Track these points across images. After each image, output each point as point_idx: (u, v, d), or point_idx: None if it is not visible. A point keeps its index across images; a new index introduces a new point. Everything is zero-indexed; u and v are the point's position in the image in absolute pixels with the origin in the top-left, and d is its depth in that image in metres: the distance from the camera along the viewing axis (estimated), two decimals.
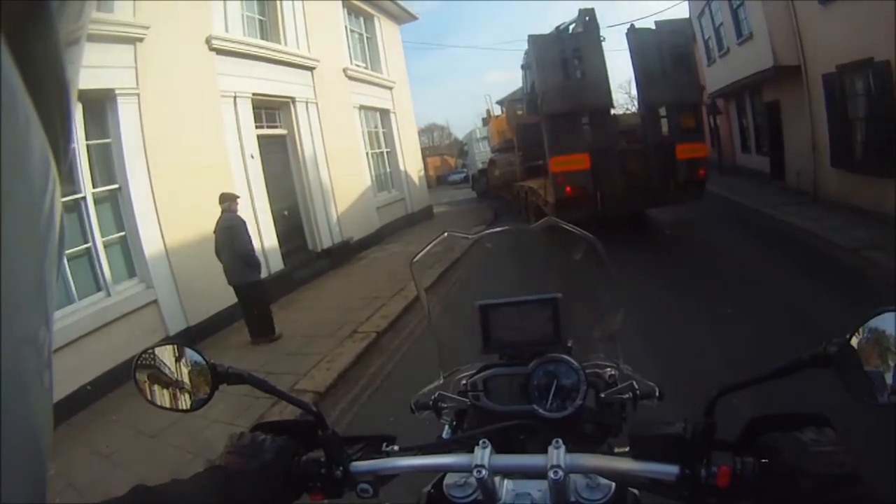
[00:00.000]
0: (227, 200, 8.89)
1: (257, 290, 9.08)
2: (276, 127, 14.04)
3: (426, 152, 44.78)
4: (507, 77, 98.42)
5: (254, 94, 12.39)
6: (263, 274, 9.73)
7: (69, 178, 7.95)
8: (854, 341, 0.94)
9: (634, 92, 17.70)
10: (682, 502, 1.12)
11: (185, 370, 1.25)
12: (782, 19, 15.09)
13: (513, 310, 1.59)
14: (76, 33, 0.48)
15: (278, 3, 14.04)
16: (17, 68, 0.38)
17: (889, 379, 0.91)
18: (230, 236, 8.60)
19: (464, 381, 1.66)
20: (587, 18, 13.80)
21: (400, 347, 8.40)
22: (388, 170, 20.82)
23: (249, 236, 8.82)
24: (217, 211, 8.92)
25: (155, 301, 8.96)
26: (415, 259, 1.80)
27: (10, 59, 0.37)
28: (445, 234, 1.84)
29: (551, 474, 1.12)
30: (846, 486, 0.93)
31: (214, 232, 8.79)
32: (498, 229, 2.22)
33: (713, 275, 10.02)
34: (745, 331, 6.79)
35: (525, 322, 1.59)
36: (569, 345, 1.59)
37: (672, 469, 1.09)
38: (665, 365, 5.77)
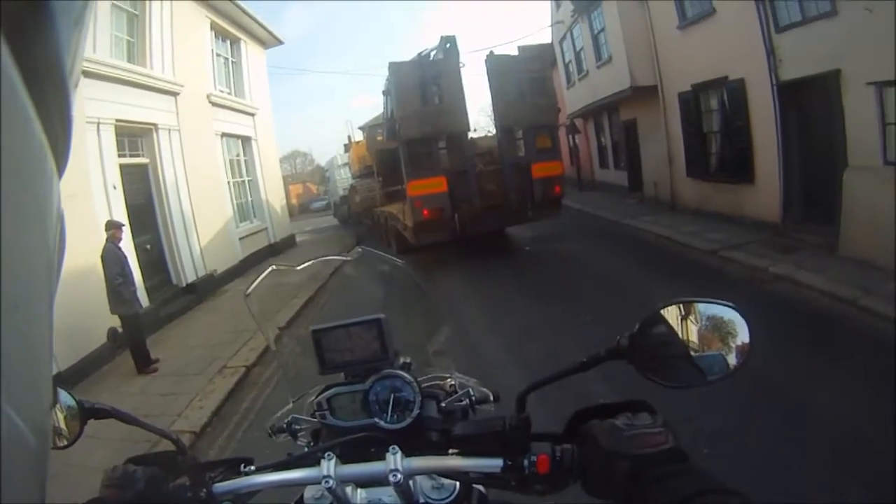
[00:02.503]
0: (111, 228, 9.05)
1: (128, 324, 9.25)
2: (138, 155, 13.62)
3: (288, 180, 45.01)
4: (372, 103, 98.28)
5: (117, 121, 12.02)
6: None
7: None
8: (651, 331, 1.08)
9: None
10: (513, 491, 1.23)
11: (59, 414, 1.33)
12: (641, 43, 16.52)
13: (342, 332, 1.67)
14: (78, 35, 0.50)
15: (147, 22, 13.78)
16: (17, 68, 0.40)
17: (733, 360, 1.06)
18: (104, 266, 8.80)
19: (312, 403, 1.76)
20: (448, 45, 14.35)
21: (270, 379, 8.46)
22: (249, 199, 20.61)
23: (122, 268, 8.92)
24: (79, 242, 9.11)
25: None
26: (248, 292, 1.88)
27: (10, 59, 0.39)
28: (273, 267, 2.01)
29: (391, 477, 1.24)
30: (663, 462, 1.02)
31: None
32: (318, 258, 2.41)
33: (574, 286, 10.59)
34: (604, 335, 7.23)
35: (355, 342, 1.66)
36: (406, 361, 1.72)
37: (496, 462, 1.21)
38: (526, 371, 6.42)
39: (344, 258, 2.12)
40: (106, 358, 10.11)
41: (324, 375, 1.72)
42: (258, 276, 1.92)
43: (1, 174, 0.38)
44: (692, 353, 1.08)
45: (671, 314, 1.09)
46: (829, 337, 6.84)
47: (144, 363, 9.35)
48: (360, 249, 2.14)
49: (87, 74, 10.87)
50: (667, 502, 0.94)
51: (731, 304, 1.08)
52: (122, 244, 9.24)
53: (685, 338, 1.08)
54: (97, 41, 11.50)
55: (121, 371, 9.67)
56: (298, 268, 2.23)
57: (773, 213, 11.76)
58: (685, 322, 1.08)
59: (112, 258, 8.84)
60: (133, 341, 9.39)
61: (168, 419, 7.24)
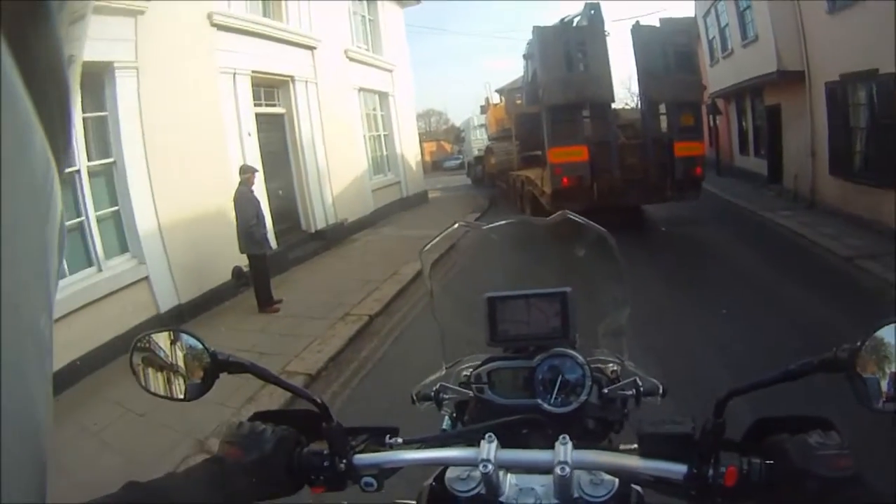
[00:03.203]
0: (246, 173, 9.52)
1: (256, 263, 9.64)
2: (274, 105, 14.15)
3: (423, 137, 45.03)
4: (507, 66, 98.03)
5: (253, 72, 12.44)
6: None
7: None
8: (869, 349, 0.95)
9: (635, 87, 17.88)
10: (689, 501, 1.13)
11: (179, 354, 1.23)
12: (789, 24, 15.33)
13: (521, 303, 1.60)
14: (78, 35, 0.49)
15: None
16: (18, 68, 0.39)
17: (885, 387, 0.93)
18: (239, 210, 9.27)
19: (466, 373, 1.67)
20: (592, 12, 14.01)
21: (392, 332, 8.46)
22: (384, 153, 20.98)
23: (256, 211, 9.38)
24: (211, 184, 9.96)
25: (146, 278, 8.93)
26: (425, 248, 1.79)
27: (11, 58, 0.38)
28: (456, 224, 1.85)
29: (558, 470, 1.12)
30: (850, 487, 0.95)
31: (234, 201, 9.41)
32: (507, 221, 2.21)
33: (708, 274, 10.23)
34: (737, 332, 6.90)
35: (533, 316, 1.59)
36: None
37: (680, 468, 1.11)
38: (657, 360, 5.90)
39: (543, 222, 1.82)
40: (228, 295, 10.60)
41: (489, 347, 1.65)
42: (440, 233, 1.79)
43: (1, 174, 0.38)
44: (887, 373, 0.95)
45: (889, 334, 0.94)
46: None
47: (267, 302, 9.71)
48: (560, 215, 1.77)
49: (220, 27, 11.35)
50: None
51: None
52: (254, 188, 9.67)
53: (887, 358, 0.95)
54: None
55: (242, 308, 10.07)
56: (486, 227, 2.08)
57: None
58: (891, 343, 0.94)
59: (246, 200, 9.29)
60: (259, 280, 9.76)
61: (284, 359, 7.39)
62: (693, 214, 15.02)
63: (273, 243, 11.72)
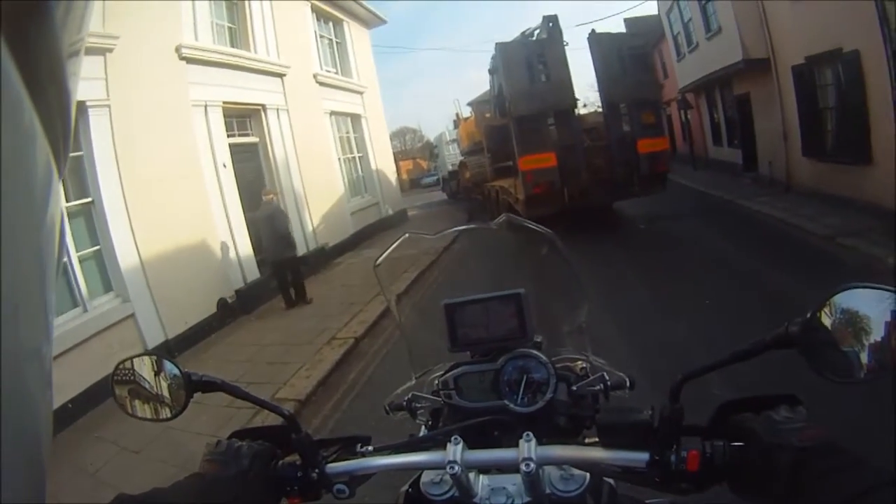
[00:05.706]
0: (269, 193, 11.35)
1: (296, 263, 11.65)
2: (247, 135, 14.47)
3: (398, 156, 45.65)
4: (479, 78, 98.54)
5: (224, 103, 12.78)
6: (241, 284, 11.72)
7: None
8: (823, 319, 0.95)
9: None
10: (654, 489, 1.16)
11: (164, 384, 1.29)
12: (751, 13, 15.89)
13: (478, 307, 1.63)
14: (77, 35, 0.51)
15: (247, 9, 14.51)
16: (19, 70, 0.40)
17: (864, 357, 0.92)
18: (273, 222, 10.84)
19: (436, 381, 1.72)
20: (550, 24, 14.87)
21: (379, 352, 8.64)
22: (360, 174, 21.78)
23: (289, 220, 11.48)
24: (190, 218, 10.76)
25: (132, 315, 9.16)
26: (378, 262, 1.85)
27: (12, 61, 0.39)
28: (406, 235, 1.92)
29: (523, 467, 1.16)
30: (826, 455, 0.93)
31: (254, 221, 11.05)
32: (458, 228, 2.27)
33: (690, 267, 10.45)
34: (723, 321, 6.97)
35: (491, 319, 1.62)
36: (538, 340, 1.64)
37: (641, 456, 1.14)
38: (642, 357, 6.00)
39: (488, 227, 2.02)
40: (214, 327, 10.94)
41: (452, 353, 1.68)
42: (391, 244, 1.87)
43: (1, 174, 0.39)
44: (865, 345, 0.93)
45: (848, 300, 0.95)
46: None
47: (303, 298, 11.79)
48: (504, 218, 1.90)
49: (188, 60, 11.63)
50: (838, 498, 0.87)
51: None
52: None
53: (859, 328, 0.94)
54: (198, 29, 12.21)
55: (227, 340, 10.38)
56: (433, 236, 2.19)
57: (892, 198, 10.76)
58: (856, 311, 0.94)
59: (280, 212, 11.00)
60: (295, 280, 11.73)
61: (273, 387, 7.58)
62: (671, 209, 15.56)
63: (255, 273, 12.70)
